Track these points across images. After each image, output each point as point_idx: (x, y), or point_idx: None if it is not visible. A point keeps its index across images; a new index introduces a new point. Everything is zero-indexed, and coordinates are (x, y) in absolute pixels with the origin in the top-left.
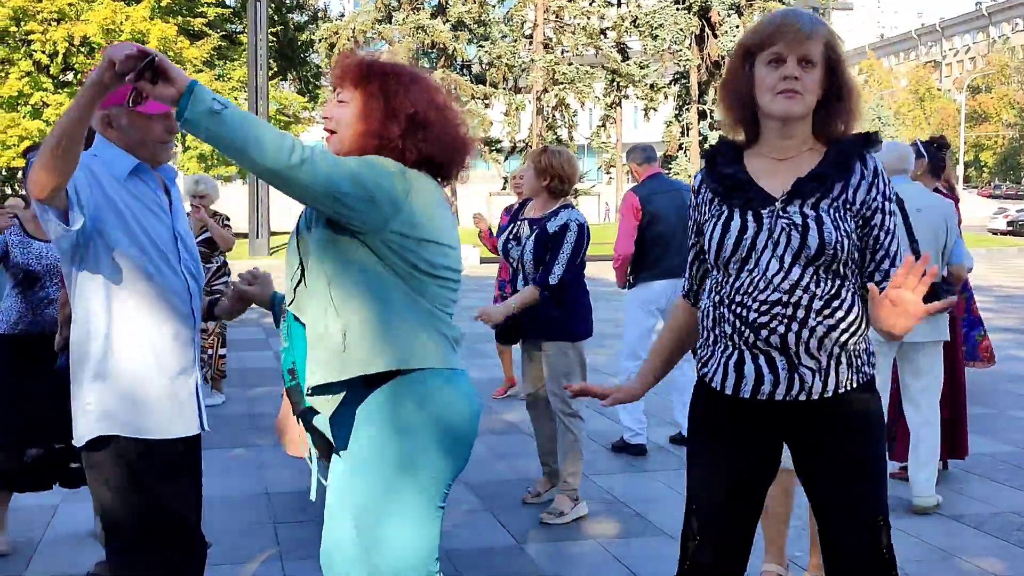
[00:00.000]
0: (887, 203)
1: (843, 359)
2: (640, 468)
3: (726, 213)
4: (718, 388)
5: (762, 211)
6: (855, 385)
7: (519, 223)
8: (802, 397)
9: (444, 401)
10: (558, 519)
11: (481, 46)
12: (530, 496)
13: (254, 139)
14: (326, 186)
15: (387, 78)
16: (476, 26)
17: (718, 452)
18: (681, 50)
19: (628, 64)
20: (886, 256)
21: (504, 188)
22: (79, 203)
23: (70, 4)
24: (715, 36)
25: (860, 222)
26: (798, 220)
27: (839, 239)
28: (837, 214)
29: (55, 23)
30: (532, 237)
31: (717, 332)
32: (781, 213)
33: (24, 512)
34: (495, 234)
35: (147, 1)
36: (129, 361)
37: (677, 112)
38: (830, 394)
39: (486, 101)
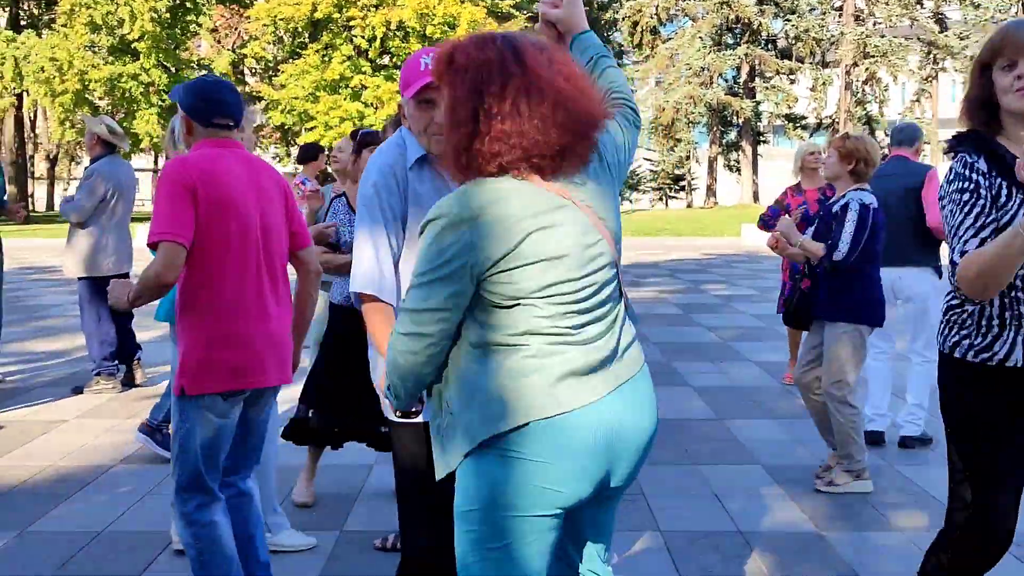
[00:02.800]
0: None
1: None
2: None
3: None
4: (1018, 364)
5: None
6: None
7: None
8: None
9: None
10: (827, 487)
11: (787, 19)
12: (821, 470)
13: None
14: (424, 328)
15: (453, 70)
16: None
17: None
18: (1006, 19)
19: (946, 35)
20: None
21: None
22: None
23: None
24: None
25: None
26: None
27: None
28: None
29: (374, 9)
30: (818, 217)
31: (1007, 317)
32: None
33: (342, 470)
34: (775, 212)
35: None
36: None
37: None
38: None
39: (791, 76)
